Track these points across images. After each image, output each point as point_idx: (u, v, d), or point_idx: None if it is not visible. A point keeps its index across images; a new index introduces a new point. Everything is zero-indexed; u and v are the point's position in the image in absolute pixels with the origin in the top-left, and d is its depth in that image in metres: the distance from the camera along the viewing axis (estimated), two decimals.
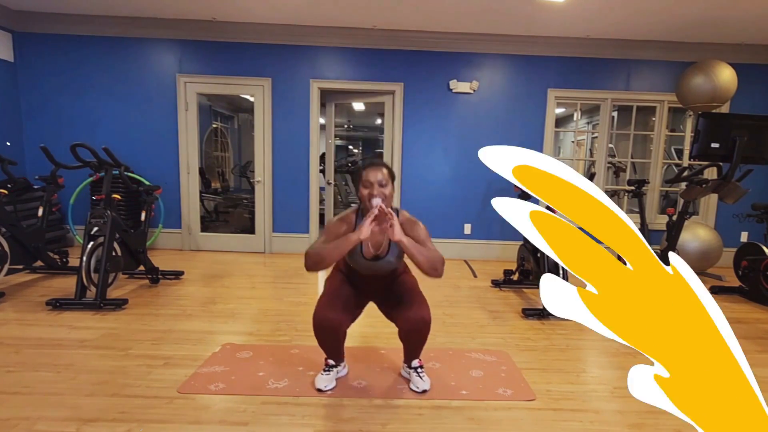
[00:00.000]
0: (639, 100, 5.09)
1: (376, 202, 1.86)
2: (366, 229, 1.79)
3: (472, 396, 2.06)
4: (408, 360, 2.13)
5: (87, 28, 4.79)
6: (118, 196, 3.41)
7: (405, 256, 1.95)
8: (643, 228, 3.81)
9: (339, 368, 2.15)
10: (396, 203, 5.09)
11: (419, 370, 2.10)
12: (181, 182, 5.08)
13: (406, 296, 2.03)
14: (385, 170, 1.93)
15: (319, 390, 2.03)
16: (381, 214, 1.80)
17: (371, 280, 2.11)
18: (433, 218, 5.17)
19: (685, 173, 3.73)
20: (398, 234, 1.79)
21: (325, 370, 2.09)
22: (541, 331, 2.93)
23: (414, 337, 2.02)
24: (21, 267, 3.94)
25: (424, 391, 2.05)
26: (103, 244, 3.14)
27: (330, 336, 1.98)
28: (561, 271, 3.23)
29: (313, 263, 1.87)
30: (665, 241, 3.64)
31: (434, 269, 1.86)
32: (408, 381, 2.14)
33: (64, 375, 2.13)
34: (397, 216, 1.94)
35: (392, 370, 2.30)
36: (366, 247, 1.98)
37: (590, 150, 7.27)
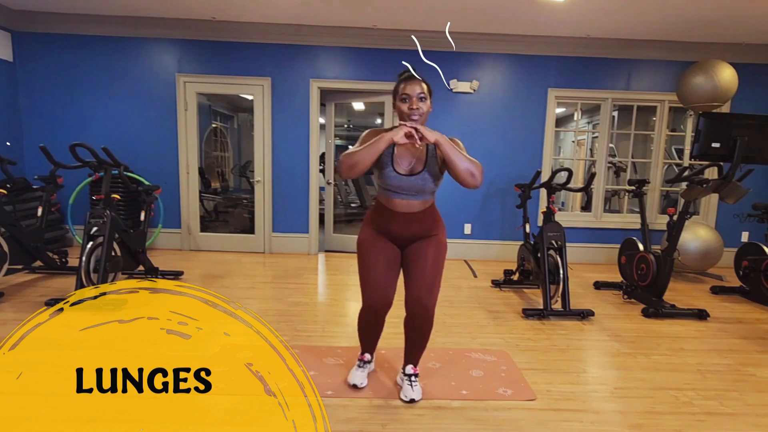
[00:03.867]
0: (639, 99, 5.09)
1: (415, 117, 1.80)
2: (401, 132, 1.70)
3: (472, 396, 2.06)
4: (405, 363, 2.09)
5: (87, 28, 4.78)
6: (118, 196, 3.41)
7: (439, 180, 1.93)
8: (644, 228, 3.80)
9: (372, 365, 2.19)
10: None
11: (413, 378, 2.04)
12: (180, 182, 5.07)
13: (426, 270, 1.93)
14: (424, 84, 1.85)
15: (354, 386, 2.04)
16: (408, 128, 1.72)
17: (404, 220, 1.94)
18: None
19: (686, 173, 3.72)
20: (431, 135, 1.71)
21: (360, 366, 2.10)
22: (541, 331, 2.93)
23: (413, 326, 1.96)
24: (20, 267, 3.93)
25: (412, 401, 1.98)
26: (103, 244, 3.13)
27: (376, 319, 1.98)
28: (561, 272, 3.23)
29: (348, 167, 1.77)
30: (666, 241, 3.63)
31: (471, 174, 1.79)
32: (401, 388, 2.07)
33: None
34: None
35: (392, 370, 2.29)
36: (400, 163, 1.88)
37: (591, 150, 7.26)
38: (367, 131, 1.92)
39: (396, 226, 1.95)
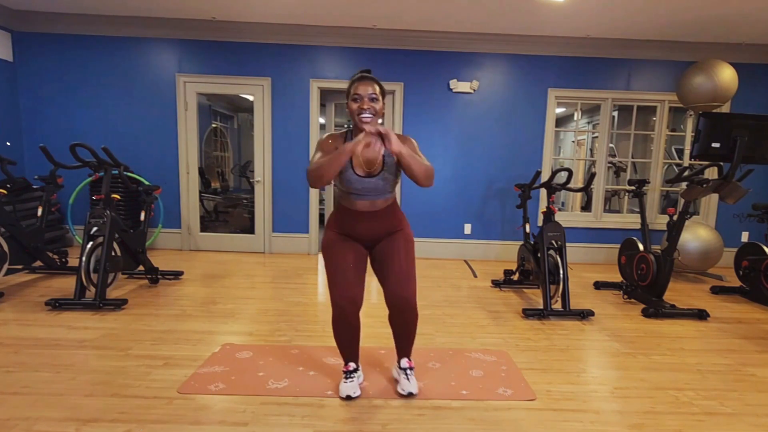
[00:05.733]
0: (639, 99, 5.09)
1: (367, 117, 1.79)
2: (360, 146, 1.68)
3: (472, 396, 2.06)
4: (399, 357, 2.10)
5: (87, 28, 4.79)
6: (118, 196, 3.41)
7: (398, 177, 1.95)
8: (644, 228, 3.80)
9: (359, 373, 2.10)
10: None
11: (408, 371, 2.05)
12: (180, 182, 5.08)
13: (401, 265, 1.93)
14: (376, 85, 1.83)
15: (348, 397, 1.97)
16: (371, 135, 1.68)
17: (368, 219, 1.95)
18: (433, 218, 5.17)
19: (686, 173, 3.72)
20: (396, 145, 1.67)
21: (347, 378, 2.02)
22: (541, 331, 2.93)
23: (399, 321, 1.95)
24: (20, 267, 3.94)
25: (410, 394, 1.98)
26: (103, 244, 3.14)
27: (349, 323, 1.91)
28: (561, 272, 3.23)
29: (314, 179, 1.78)
30: (666, 241, 3.63)
31: (428, 178, 1.82)
32: (398, 383, 2.08)
33: (63, 375, 2.12)
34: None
35: (392, 370, 2.29)
36: (358, 165, 1.88)
37: (591, 150, 7.26)
38: (325, 136, 1.94)
39: (361, 226, 1.96)
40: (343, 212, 1.98)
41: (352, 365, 2.03)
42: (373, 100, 1.82)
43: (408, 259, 1.96)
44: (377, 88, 1.83)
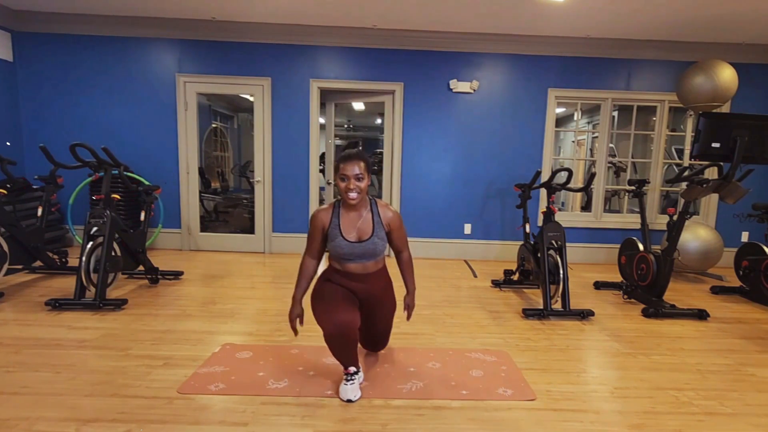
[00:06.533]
0: (639, 99, 5.09)
1: (353, 195, 1.98)
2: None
3: (472, 396, 2.06)
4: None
5: (87, 28, 4.79)
6: (118, 196, 3.41)
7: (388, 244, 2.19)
8: (644, 228, 3.80)
9: (360, 375, 2.11)
10: (395, 203, 5.09)
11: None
12: (180, 182, 5.07)
13: (381, 329, 2.32)
14: (362, 163, 1.98)
15: (348, 401, 1.96)
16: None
17: (360, 279, 2.13)
18: (433, 218, 5.17)
19: (686, 173, 3.72)
20: (413, 304, 2.32)
21: (348, 380, 2.00)
22: (541, 331, 2.93)
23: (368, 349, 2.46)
24: (20, 267, 3.94)
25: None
26: (103, 244, 3.14)
27: (346, 340, 1.93)
28: (561, 272, 3.23)
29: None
30: (666, 241, 3.63)
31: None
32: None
33: (63, 375, 2.12)
34: (375, 206, 2.11)
35: (393, 369, 2.29)
36: (348, 232, 2.05)
37: (591, 150, 7.26)
38: (316, 211, 2.12)
39: (354, 284, 2.13)
40: (336, 272, 2.15)
41: (352, 369, 2.02)
42: (358, 179, 1.98)
43: (389, 323, 2.34)
44: (363, 166, 1.98)
